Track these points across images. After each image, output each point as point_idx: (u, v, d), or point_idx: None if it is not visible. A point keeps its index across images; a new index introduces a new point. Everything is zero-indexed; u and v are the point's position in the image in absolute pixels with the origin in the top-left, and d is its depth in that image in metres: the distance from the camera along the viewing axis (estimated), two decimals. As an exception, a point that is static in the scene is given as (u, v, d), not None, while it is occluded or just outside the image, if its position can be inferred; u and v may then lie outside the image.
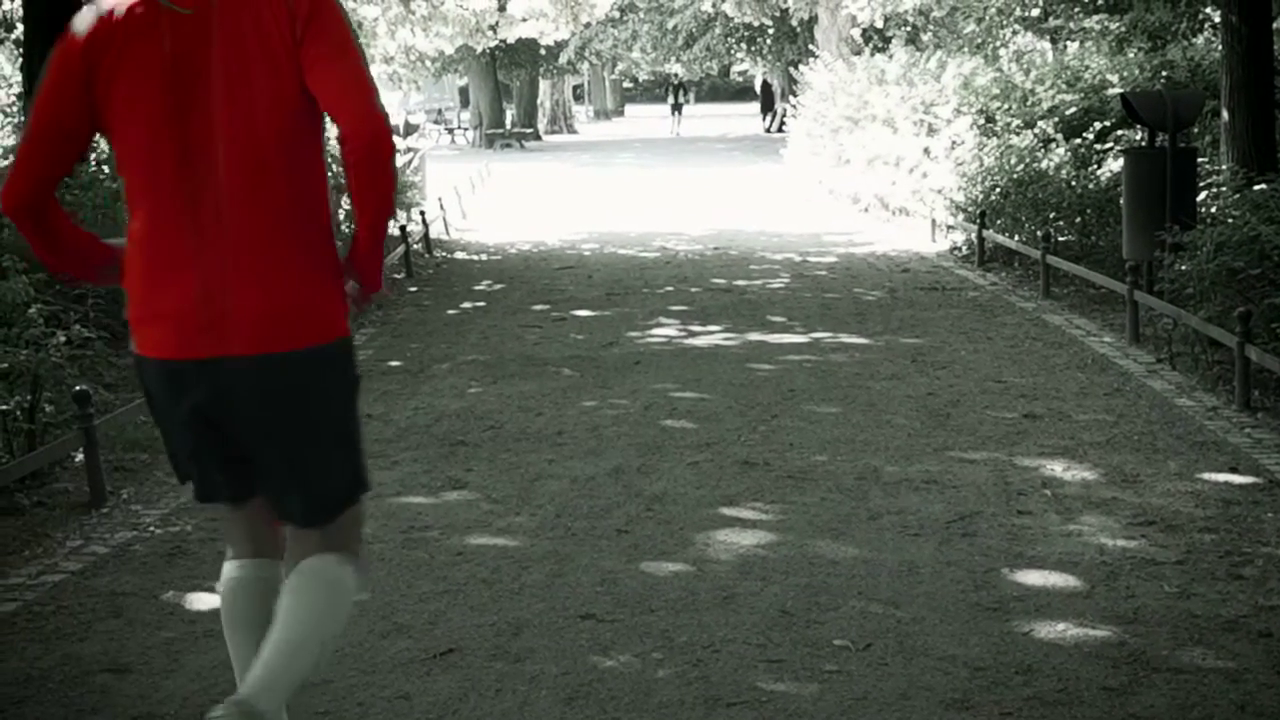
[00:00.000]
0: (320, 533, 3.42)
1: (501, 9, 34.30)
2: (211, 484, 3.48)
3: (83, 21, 3.35)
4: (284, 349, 3.25)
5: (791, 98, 29.27)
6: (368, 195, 3.27)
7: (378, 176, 3.27)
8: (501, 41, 38.01)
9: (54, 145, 3.37)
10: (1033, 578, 5.16)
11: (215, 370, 3.24)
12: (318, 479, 3.40)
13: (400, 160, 13.60)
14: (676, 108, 53.41)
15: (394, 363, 9.70)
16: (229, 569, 3.55)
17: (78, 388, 6.67)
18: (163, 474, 7.02)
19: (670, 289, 13.06)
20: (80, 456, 6.74)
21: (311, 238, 3.32)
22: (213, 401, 3.29)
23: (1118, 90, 14.80)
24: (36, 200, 3.36)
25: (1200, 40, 17.46)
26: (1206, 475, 6.43)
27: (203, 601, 5.19)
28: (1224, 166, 10.94)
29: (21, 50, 12.77)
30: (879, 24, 25.26)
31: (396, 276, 14.12)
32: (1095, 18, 19.54)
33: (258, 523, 3.54)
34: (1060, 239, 12.82)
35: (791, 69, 34.85)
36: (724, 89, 76.01)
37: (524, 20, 35.03)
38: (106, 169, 12.13)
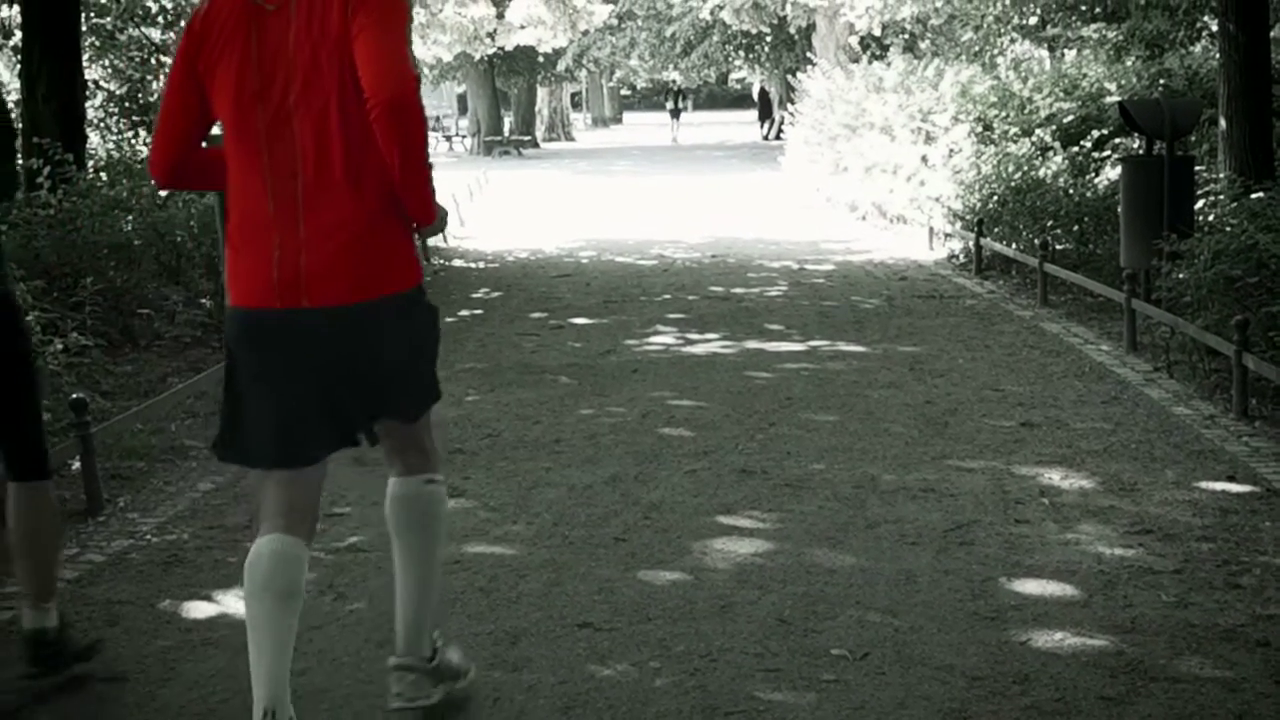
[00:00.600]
0: (408, 434, 4.07)
1: (500, 17, 34.39)
2: (282, 446, 3.79)
3: (195, 16, 3.85)
4: (363, 298, 3.72)
5: (789, 105, 29.29)
6: (392, 148, 3.62)
7: (398, 130, 3.60)
8: (500, 49, 38.11)
9: (177, 122, 3.88)
10: (1030, 587, 5.16)
11: (297, 319, 3.69)
12: (408, 388, 3.97)
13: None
14: (675, 113, 53.45)
15: (391, 370, 9.69)
16: (260, 543, 3.79)
17: (75, 395, 6.66)
18: (160, 482, 7.03)
19: (668, 297, 13.07)
20: (77, 464, 6.73)
21: (380, 203, 3.74)
22: (300, 351, 3.72)
23: (1115, 98, 14.81)
24: (175, 167, 3.95)
25: (1198, 49, 17.48)
26: (1204, 484, 6.43)
27: (200, 610, 5.18)
28: (1221, 175, 10.95)
29: (20, 57, 12.73)
30: (877, 32, 25.31)
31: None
32: (1093, 26, 19.55)
33: (299, 495, 3.86)
34: (1058, 247, 12.82)
35: (789, 76, 34.91)
36: (722, 96, 76.09)
37: (522, 28, 35.13)
38: (104, 176, 12.15)
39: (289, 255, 3.67)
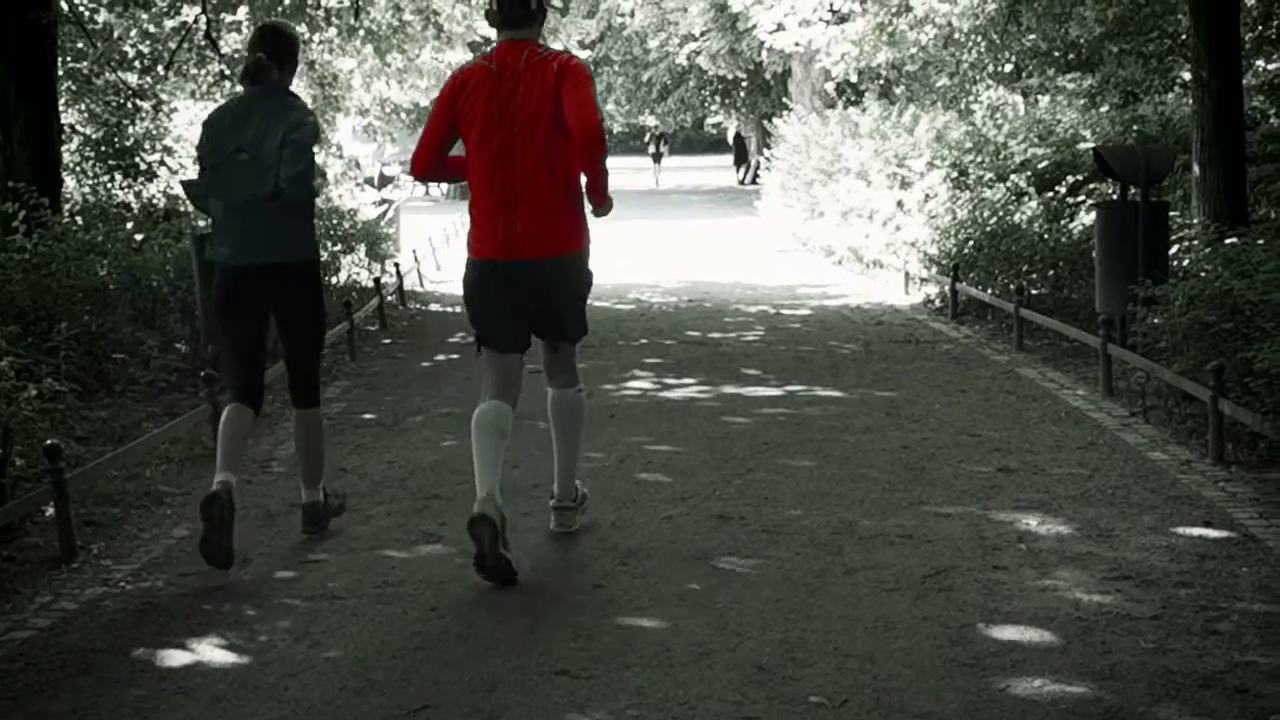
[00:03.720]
0: (560, 358, 6.50)
1: (477, 61, 34.43)
2: (503, 338, 6.20)
3: (456, 76, 6.22)
4: (552, 255, 6.11)
5: (765, 150, 29.37)
6: (589, 166, 6.07)
7: (593, 156, 6.00)
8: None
9: (436, 138, 6.23)
10: (1008, 633, 5.15)
11: (513, 266, 6.08)
12: (571, 320, 6.38)
13: (374, 212, 13.68)
14: (657, 158, 53.49)
15: (367, 415, 9.67)
16: (484, 405, 6.12)
17: (49, 441, 6.61)
18: (134, 528, 6.99)
19: (645, 341, 13.07)
20: (51, 511, 6.68)
21: (564, 196, 6.10)
22: (515, 285, 6.10)
23: (1090, 144, 14.89)
24: (431, 167, 6.34)
25: (1171, 96, 17.59)
26: (1181, 529, 6.43)
27: (175, 658, 5.14)
28: (1196, 220, 10.99)
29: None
30: (852, 78, 25.39)
31: (370, 328, 14.10)
32: (1069, 76, 19.67)
33: (511, 373, 6.24)
34: (1033, 292, 12.86)
35: (766, 121, 35.03)
36: (698, 141, 76.17)
37: (499, 73, 35.16)
38: (79, 220, 12.13)
39: (509, 227, 6.04)
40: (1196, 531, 6.40)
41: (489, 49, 6.29)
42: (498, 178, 6.02)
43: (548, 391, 6.55)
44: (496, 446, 6.01)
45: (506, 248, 6.04)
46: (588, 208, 6.27)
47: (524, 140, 5.97)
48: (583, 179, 6.14)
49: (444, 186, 49.54)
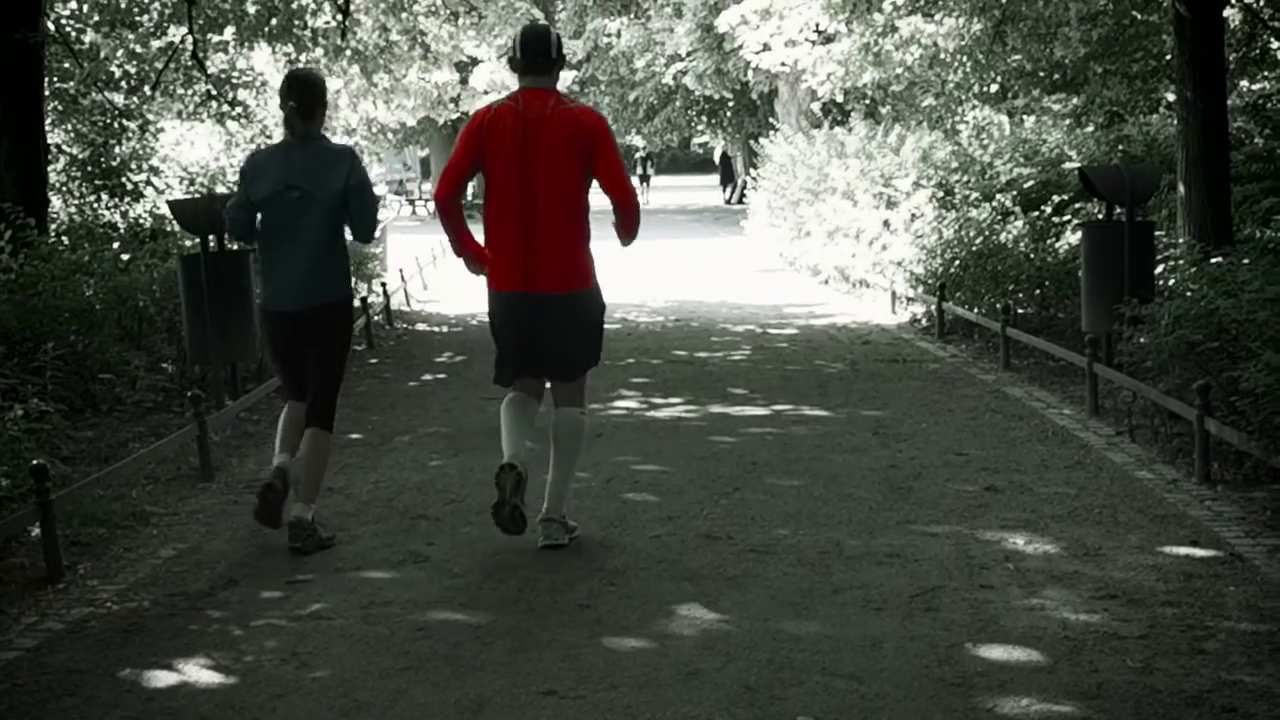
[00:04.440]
0: (570, 386, 6.80)
1: (463, 82, 34.53)
2: (519, 363, 6.74)
3: (484, 114, 6.68)
4: (565, 290, 6.60)
5: (752, 170, 29.38)
6: (624, 226, 6.73)
7: (630, 219, 6.68)
8: (463, 114, 38.21)
9: (459, 173, 6.70)
10: (996, 653, 5.15)
11: (528, 298, 6.58)
12: (583, 350, 6.78)
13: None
14: (645, 178, 53.51)
15: (354, 435, 9.66)
16: (512, 394, 6.77)
17: (35, 462, 6.59)
18: (121, 549, 6.97)
19: (632, 361, 13.07)
20: (37, 531, 6.67)
21: (580, 237, 6.64)
22: (525, 314, 6.61)
23: (1075, 164, 14.93)
24: (451, 199, 6.72)
25: (1155, 117, 17.64)
26: (1168, 549, 6.44)
27: (161, 679, 5.13)
28: (1181, 240, 11.01)
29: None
30: (838, 98, 25.45)
31: (357, 348, 14.08)
32: (1054, 97, 19.73)
33: (532, 386, 6.83)
34: (1019, 311, 12.89)
35: (752, 141, 35.09)
36: (685, 160, 76.27)
37: (486, 93, 35.27)
38: (66, 240, 12.11)
39: (527, 262, 6.54)
40: (1183, 550, 6.41)
41: (513, 92, 6.72)
42: (518, 212, 6.52)
43: (551, 410, 6.87)
44: (522, 423, 6.71)
45: (526, 281, 6.57)
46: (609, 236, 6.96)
47: (547, 183, 6.49)
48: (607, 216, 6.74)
49: (430, 203, 49.69)
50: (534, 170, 6.46)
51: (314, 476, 6.94)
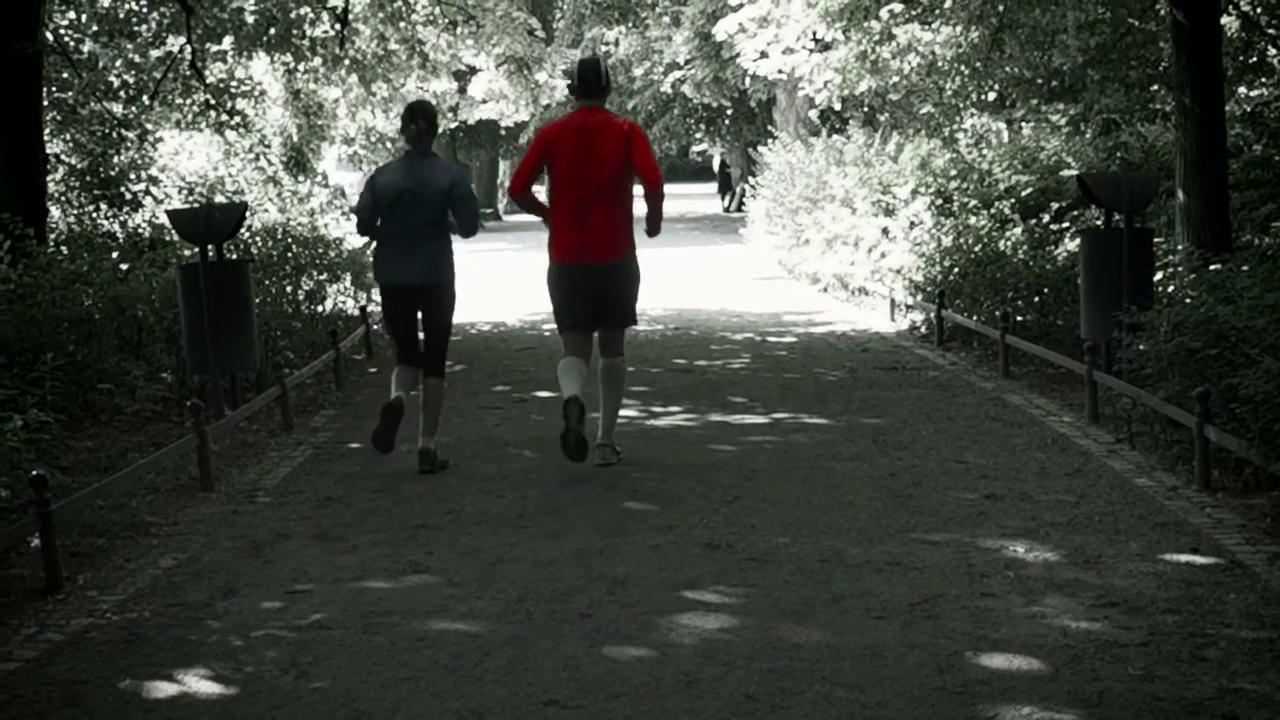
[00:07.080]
0: (616, 336, 8.78)
1: (462, 91, 34.53)
2: (575, 319, 8.65)
3: (552, 128, 8.75)
4: (614, 260, 8.60)
5: (750, 178, 29.39)
6: (652, 206, 8.68)
7: (656, 195, 8.58)
8: (462, 123, 38.25)
9: (530, 171, 8.84)
10: (997, 661, 5.15)
11: (584, 269, 8.54)
12: (626, 307, 8.76)
13: (360, 240, 13.65)
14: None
15: (354, 445, 9.65)
16: (566, 358, 8.55)
17: (34, 472, 6.58)
18: (120, 559, 6.97)
19: (631, 369, 12.98)
20: (36, 541, 6.67)
21: (625, 222, 8.61)
22: (584, 280, 8.56)
23: (1073, 171, 14.92)
24: (523, 192, 8.91)
25: (1155, 126, 17.63)
26: (1168, 556, 6.44)
27: (161, 690, 5.12)
28: (1179, 247, 11.02)
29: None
30: (836, 105, 25.43)
31: (356, 357, 14.08)
32: (1053, 105, 19.72)
33: (580, 345, 8.65)
34: (1019, 319, 12.88)
35: (750, 149, 35.08)
36: (683, 168, 76.36)
37: (484, 102, 35.28)
38: (64, 250, 12.11)
39: (583, 241, 8.52)
40: (1184, 558, 6.40)
41: (573, 110, 8.84)
42: (578, 203, 8.52)
43: (600, 361, 8.77)
44: (577, 375, 8.42)
45: (582, 255, 8.53)
46: (640, 229, 8.79)
47: (599, 178, 8.46)
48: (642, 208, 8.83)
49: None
50: (589, 169, 8.46)
51: (433, 414, 8.79)
